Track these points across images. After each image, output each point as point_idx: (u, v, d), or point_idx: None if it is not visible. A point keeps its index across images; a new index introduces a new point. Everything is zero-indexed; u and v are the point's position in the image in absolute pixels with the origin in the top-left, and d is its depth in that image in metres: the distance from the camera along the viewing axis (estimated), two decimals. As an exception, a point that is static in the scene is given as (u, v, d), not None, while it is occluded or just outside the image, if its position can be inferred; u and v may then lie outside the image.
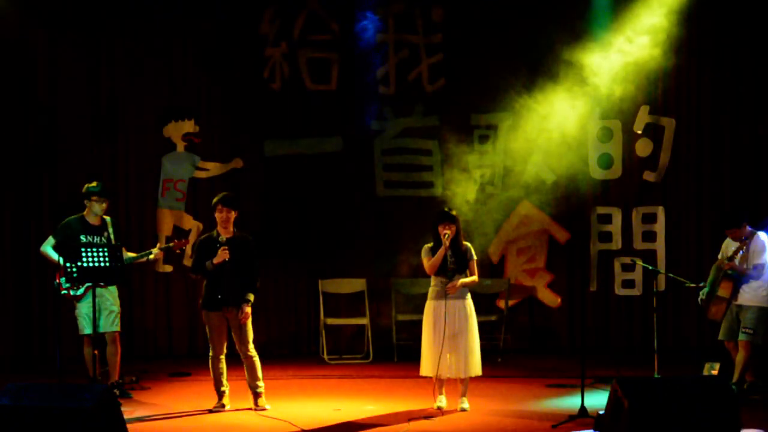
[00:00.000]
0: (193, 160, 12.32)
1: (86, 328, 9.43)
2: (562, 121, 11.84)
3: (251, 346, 8.91)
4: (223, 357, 8.96)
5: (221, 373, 8.95)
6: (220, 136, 12.36)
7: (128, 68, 12.21)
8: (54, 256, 9.52)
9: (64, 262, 9.12)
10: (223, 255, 8.79)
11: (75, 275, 9.12)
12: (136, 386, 10.06)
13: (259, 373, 8.94)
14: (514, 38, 12.06)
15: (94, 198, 9.55)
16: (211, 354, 8.94)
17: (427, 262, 8.85)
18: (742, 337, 9.22)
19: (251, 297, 8.85)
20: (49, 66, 12.14)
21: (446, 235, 8.72)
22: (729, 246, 9.44)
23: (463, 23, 12.19)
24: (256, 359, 8.94)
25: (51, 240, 9.64)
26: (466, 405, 8.84)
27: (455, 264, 8.83)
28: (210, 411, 8.92)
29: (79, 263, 8.97)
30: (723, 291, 9.34)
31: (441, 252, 8.75)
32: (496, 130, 12.29)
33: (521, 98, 11.92)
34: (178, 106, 12.28)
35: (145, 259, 9.85)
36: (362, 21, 12.04)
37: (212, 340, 8.94)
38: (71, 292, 9.52)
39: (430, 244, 8.91)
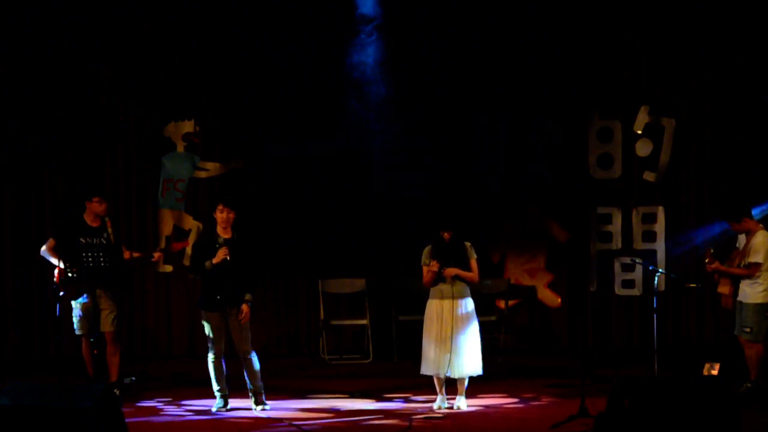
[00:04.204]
0: (193, 160, 12.32)
1: (82, 329, 9.40)
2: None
3: (250, 347, 8.91)
4: (222, 357, 8.95)
5: (221, 374, 8.95)
6: (220, 136, 12.37)
7: (128, 68, 12.21)
8: (53, 258, 9.48)
9: (64, 264, 9.13)
10: (222, 254, 8.78)
11: (75, 277, 9.14)
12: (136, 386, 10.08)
13: (259, 374, 8.94)
14: (514, 40, 12.08)
15: (96, 199, 9.51)
16: (210, 355, 8.93)
17: (426, 271, 8.90)
18: (743, 335, 9.22)
19: (250, 297, 8.85)
20: (49, 65, 12.15)
21: (439, 268, 8.79)
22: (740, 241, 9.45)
23: (462, 24, 12.19)
24: (256, 359, 8.93)
25: (50, 242, 9.62)
26: (462, 404, 8.85)
27: (455, 264, 8.85)
28: (210, 411, 8.92)
29: (78, 265, 8.99)
30: (722, 288, 9.36)
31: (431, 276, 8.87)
32: (497, 130, 12.30)
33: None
34: (178, 106, 12.28)
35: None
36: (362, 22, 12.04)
37: (211, 340, 8.93)
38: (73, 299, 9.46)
39: (429, 248, 8.94)
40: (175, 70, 12.26)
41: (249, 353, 8.90)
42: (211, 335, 8.91)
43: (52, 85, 12.18)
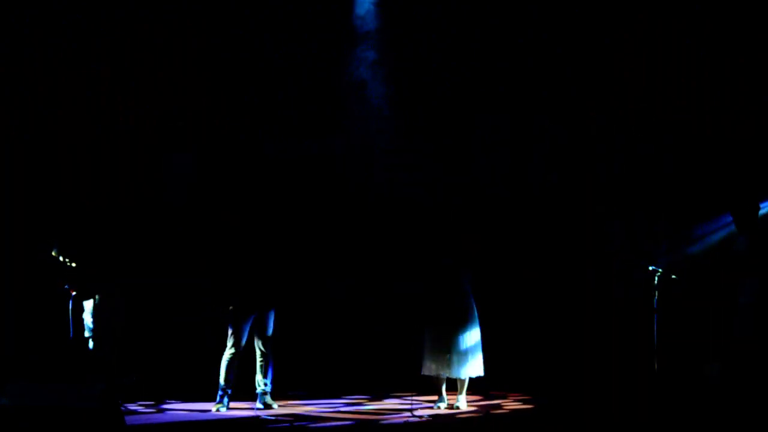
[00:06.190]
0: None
1: (92, 329, 9.42)
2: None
3: (270, 345, 8.89)
4: (238, 357, 8.88)
5: (231, 372, 8.87)
6: (220, 136, 12.36)
7: (128, 68, 12.21)
8: (59, 260, 9.51)
9: (63, 258, 9.16)
10: None
11: (75, 268, 9.17)
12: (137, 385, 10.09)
13: (271, 373, 8.92)
14: (514, 40, 12.09)
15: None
16: (228, 351, 8.86)
17: None
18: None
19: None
20: (49, 65, 12.15)
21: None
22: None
23: (462, 24, 12.20)
24: (272, 359, 8.93)
25: (53, 246, 9.65)
26: (462, 404, 8.85)
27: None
28: (210, 411, 8.92)
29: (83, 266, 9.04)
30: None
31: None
32: (498, 130, 12.31)
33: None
34: (178, 106, 12.27)
35: None
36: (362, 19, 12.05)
37: (234, 333, 8.87)
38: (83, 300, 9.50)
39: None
40: (175, 70, 12.26)
41: (267, 351, 8.89)
42: (235, 328, 8.86)
43: (52, 85, 12.18)
